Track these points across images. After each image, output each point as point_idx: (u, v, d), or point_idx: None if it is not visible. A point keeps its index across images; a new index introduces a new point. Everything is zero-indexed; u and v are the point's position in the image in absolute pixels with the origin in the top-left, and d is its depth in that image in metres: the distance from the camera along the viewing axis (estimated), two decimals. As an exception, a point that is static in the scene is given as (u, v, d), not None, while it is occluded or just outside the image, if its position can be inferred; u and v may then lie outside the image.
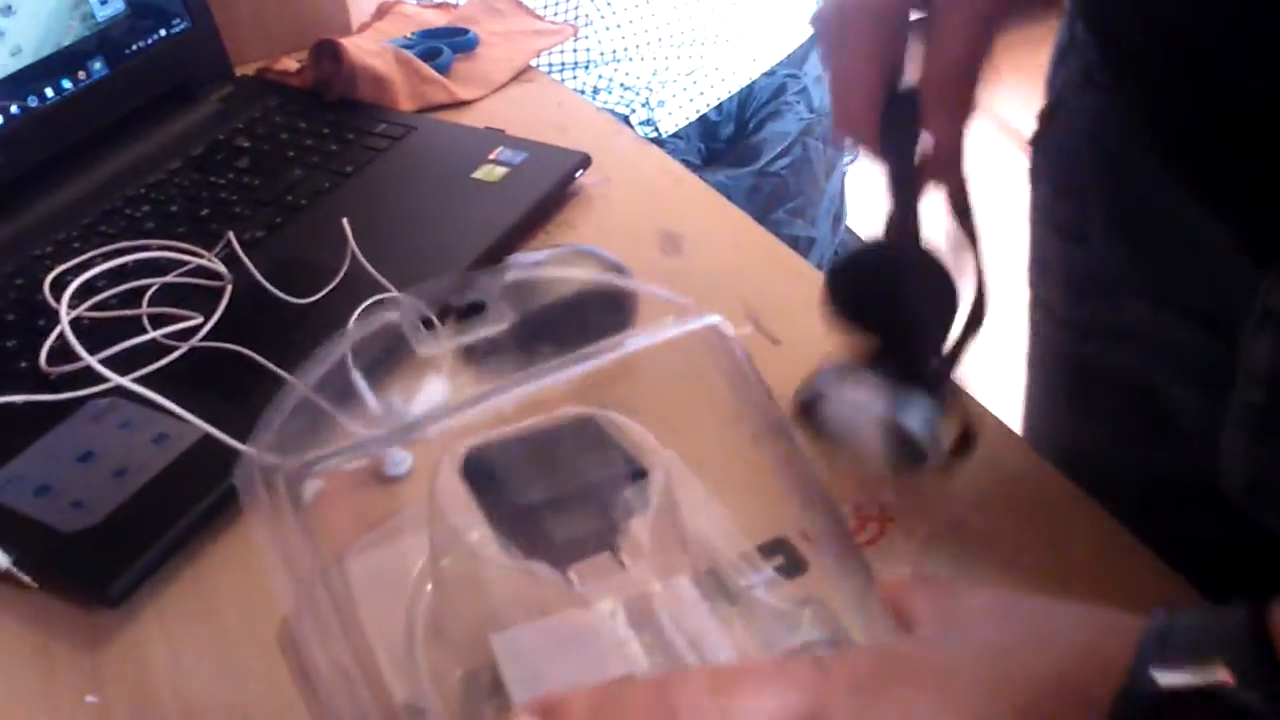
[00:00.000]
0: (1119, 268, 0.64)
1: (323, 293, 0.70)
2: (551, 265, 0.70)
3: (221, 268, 0.72)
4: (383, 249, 0.72)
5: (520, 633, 0.47)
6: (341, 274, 0.71)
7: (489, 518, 0.46)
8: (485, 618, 0.47)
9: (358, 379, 0.63)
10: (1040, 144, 0.71)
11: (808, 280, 0.79)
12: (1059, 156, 0.69)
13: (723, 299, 0.63)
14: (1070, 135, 0.67)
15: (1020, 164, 0.74)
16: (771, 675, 0.38)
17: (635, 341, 0.51)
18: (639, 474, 0.50)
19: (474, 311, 0.56)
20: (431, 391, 0.64)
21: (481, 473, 0.48)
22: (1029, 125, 0.73)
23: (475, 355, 0.64)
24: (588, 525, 0.49)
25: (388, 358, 0.66)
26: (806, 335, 0.71)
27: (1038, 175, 0.72)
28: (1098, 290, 0.67)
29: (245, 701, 0.50)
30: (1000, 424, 0.64)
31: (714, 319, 0.56)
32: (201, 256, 0.73)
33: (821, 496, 0.49)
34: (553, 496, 0.47)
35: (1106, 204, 0.64)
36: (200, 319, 0.68)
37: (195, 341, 0.66)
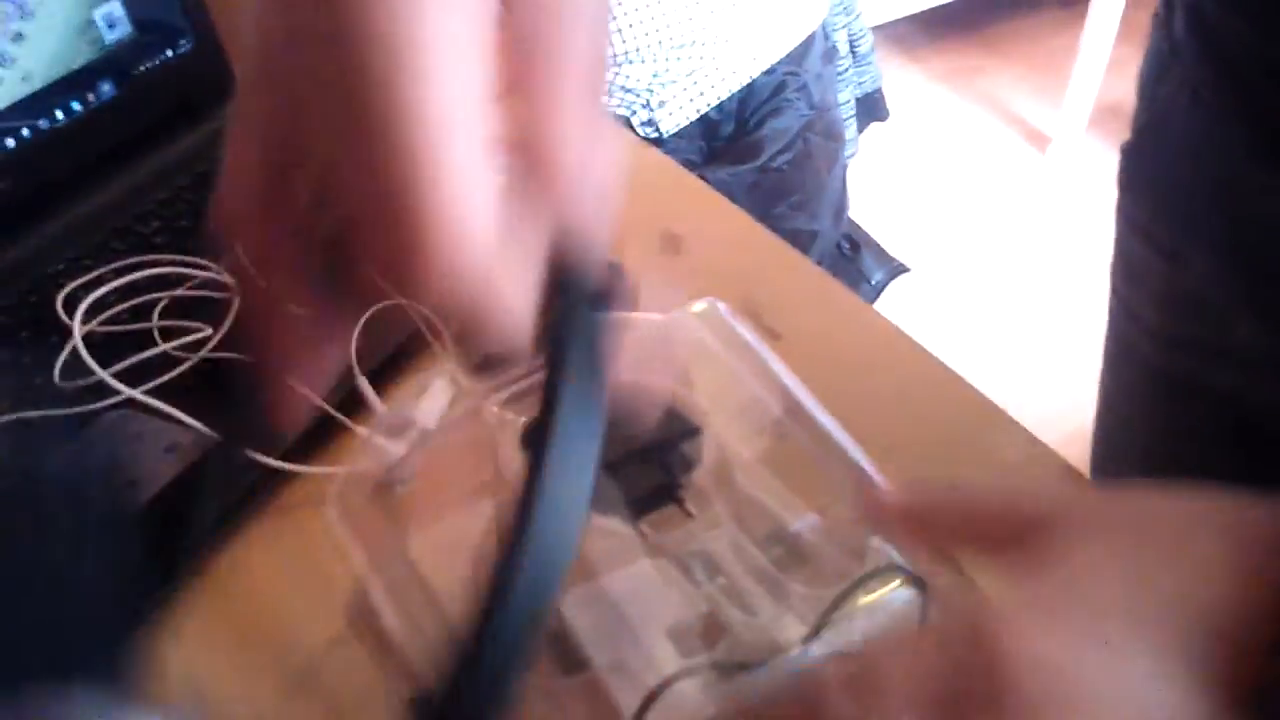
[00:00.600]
0: (1225, 289, 0.63)
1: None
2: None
3: (229, 279, 0.73)
4: (387, 257, 0.73)
5: (584, 589, 0.49)
6: (346, 283, 0.72)
7: None
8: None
9: (364, 384, 0.65)
10: (1135, 156, 0.69)
11: (808, 276, 0.80)
12: (1158, 173, 0.67)
13: (723, 296, 0.64)
14: (1172, 153, 0.66)
15: (1034, 162, 0.74)
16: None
17: (642, 320, 0.52)
18: (692, 431, 0.52)
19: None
20: (437, 394, 0.65)
21: (540, 441, 0.50)
22: (1042, 118, 0.73)
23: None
24: (650, 481, 0.51)
25: (390, 363, 0.68)
26: (807, 329, 0.72)
27: (1132, 186, 0.70)
28: (1200, 309, 0.65)
29: (260, 709, 0.51)
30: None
31: (709, 300, 0.58)
32: (209, 269, 0.74)
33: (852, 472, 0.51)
34: (611, 458, 0.48)
35: (1212, 226, 0.62)
36: (209, 331, 0.69)
37: (205, 353, 0.68)
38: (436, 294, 0.25)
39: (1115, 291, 0.73)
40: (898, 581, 0.49)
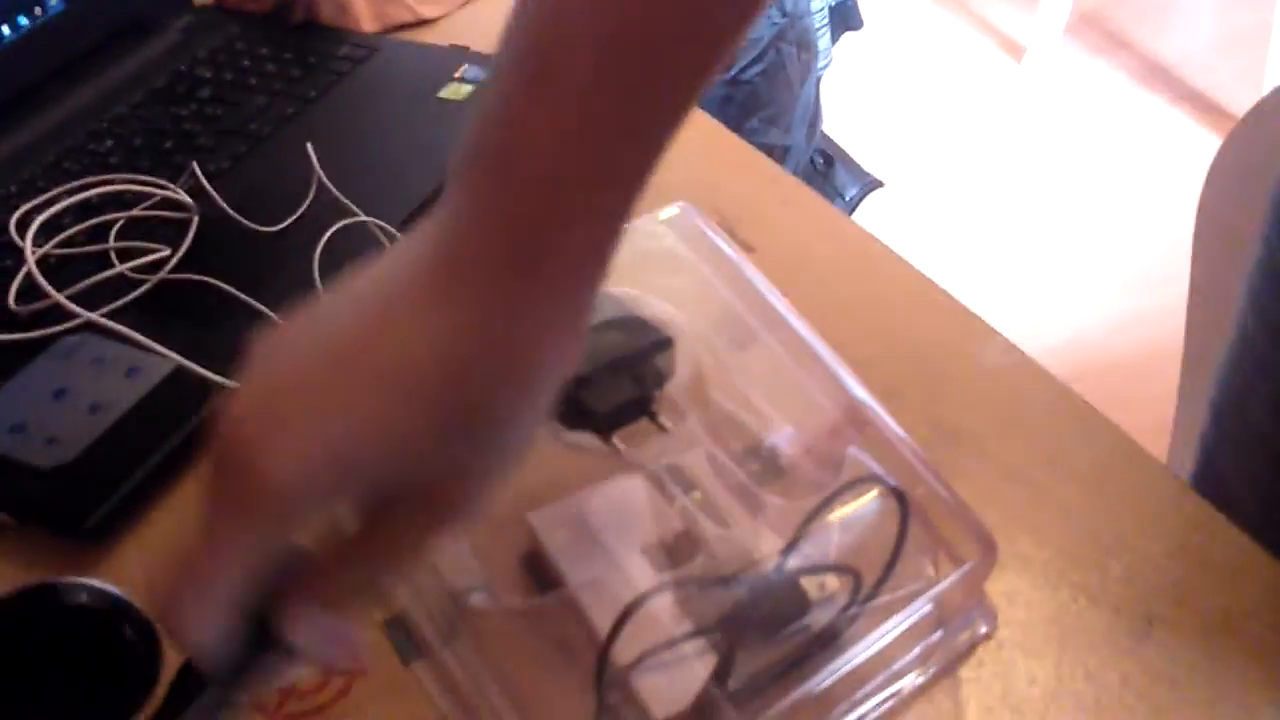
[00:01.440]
0: None
1: (290, 220, 0.69)
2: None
3: (187, 199, 0.71)
4: (349, 173, 0.71)
5: (558, 508, 0.49)
6: (308, 201, 0.70)
7: None
8: (532, 493, 0.49)
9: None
10: None
11: (782, 186, 0.78)
12: None
13: (696, 205, 0.62)
14: None
15: (1010, 72, 0.72)
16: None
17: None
18: (665, 343, 0.51)
19: None
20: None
21: None
22: (1018, 27, 0.71)
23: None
24: (623, 394, 0.50)
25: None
26: (782, 241, 0.70)
27: None
28: None
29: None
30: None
31: (681, 205, 0.57)
32: (166, 189, 0.72)
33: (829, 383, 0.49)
34: (584, 372, 0.47)
35: None
36: (168, 251, 0.67)
37: (164, 274, 0.66)
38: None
39: (1253, 302, 0.66)
40: (875, 492, 0.48)
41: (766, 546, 0.47)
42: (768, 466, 0.52)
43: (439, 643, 0.45)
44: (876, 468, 0.49)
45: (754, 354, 0.55)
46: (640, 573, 0.47)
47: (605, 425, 0.50)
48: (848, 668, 0.45)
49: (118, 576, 0.53)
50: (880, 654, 0.46)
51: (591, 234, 0.34)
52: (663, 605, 0.45)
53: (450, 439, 0.33)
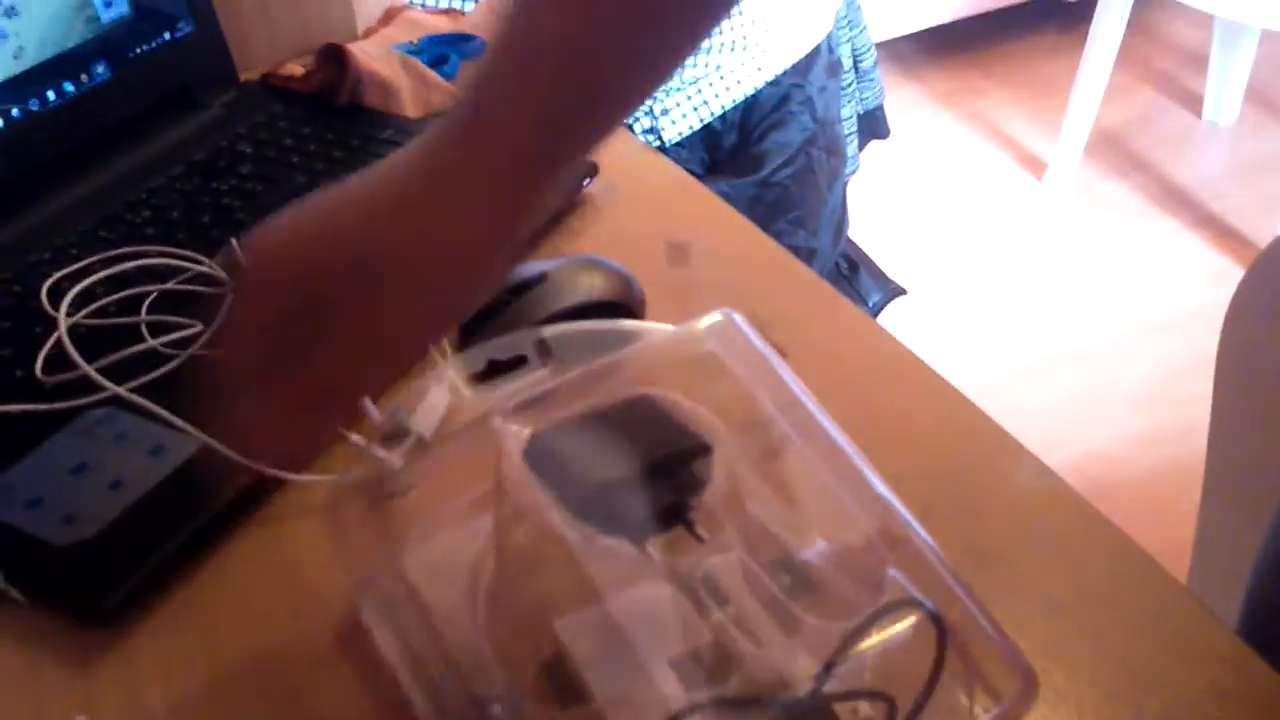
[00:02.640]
0: None
1: (324, 302, 0.68)
2: (560, 275, 0.69)
3: (221, 274, 0.71)
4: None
5: (586, 616, 0.47)
6: (343, 283, 0.69)
7: (559, 500, 0.46)
8: (559, 598, 0.48)
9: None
10: None
11: (814, 290, 0.78)
12: None
13: (730, 308, 0.62)
14: None
15: (1030, 188, 0.73)
16: None
17: (653, 331, 0.50)
18: (703, 449, 0.50)
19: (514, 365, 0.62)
20: (434, 402, 0.63)
21: (546, 456, 0.48)
22: (1039, 144, 0.72)
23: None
24: (659, 501, 0.49)
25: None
26: (815, 345, 0.70)
27: None
28: None
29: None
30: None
31: (724, 312, 0.56)
32: (202, 264, 0.72)
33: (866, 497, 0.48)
34: (619, 475, 0.46)
35: None
36: (200, 327, 0.66)
37: (194, 350, 0.65)
38: None
39: None
40: (914, 617, 0.47)
41: (801, 667, 0.46)
42: (799, 580, 0.50)
43: None
44: (915, 590, 0.48)
45: (789, 463, 0.54)
46: (670, 689, 0.45)
47: (639, 532, 0.49)
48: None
49: (130, 662, 0.52)
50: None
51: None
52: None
53: (361, 275, 0.44)
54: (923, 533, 0.50)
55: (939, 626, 0.46)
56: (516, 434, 0.50)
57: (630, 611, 0.48)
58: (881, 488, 0.51)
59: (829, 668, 0.45)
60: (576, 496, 0.47)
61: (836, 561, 0.51)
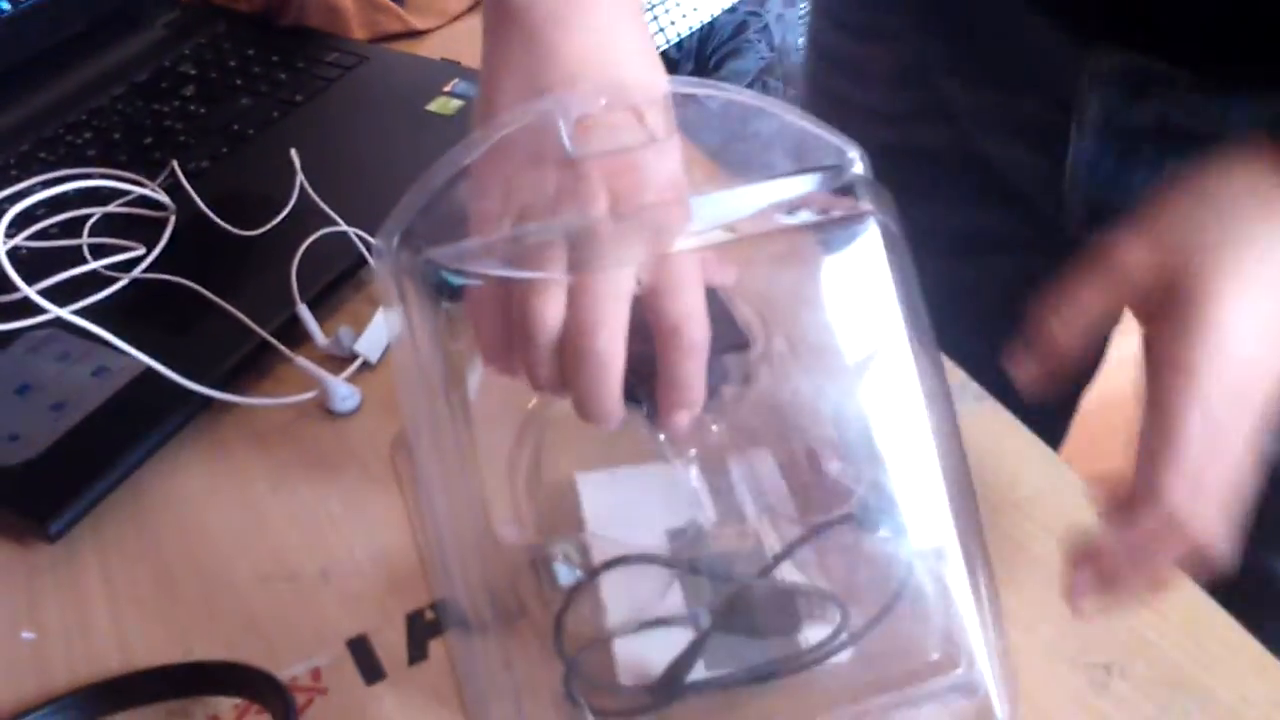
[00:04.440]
0: (934, 57, 0.68)
1: (269, 225, 0.68)
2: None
3: (165, 198, 0.70)
4: (332, 181, 0.71)
5: (601, 475, 0.49)
6: (289, 206, 0.69)
7: None
8: (579, 460, 0.50)
9: (304, 312, 0.63)
10: None
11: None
12: None
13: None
14: None
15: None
16: None
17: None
18: (742, 345, 0.50)
19: None
20: (379, 325, 0.63)
21: None
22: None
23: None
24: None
25: (332, 290, 0.66)
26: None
27: None
28: (915, 80, 0.70)
29: (184, 636, 0.50)
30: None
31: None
32: (144, 186, 0.71)
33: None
34: (653, 352, 0.46)
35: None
36: (142, 250, 0.66)
37: (137, 273, 0.65)
38: None
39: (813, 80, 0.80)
40: (884, 532, 0.48)
41: (766, 556, 0.47)
42: (808, 487, 0.51)
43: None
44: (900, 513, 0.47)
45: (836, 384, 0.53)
46: (655, 546, 0.46)
47: (654, 410, 0.49)
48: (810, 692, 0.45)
49: (75, 580, 0.52)
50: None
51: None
52: (661, 582, 0.44)
53: None
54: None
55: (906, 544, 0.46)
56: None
57: (635, 479, 0.49)
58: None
59: (787, 553, 0.46)
60: None
61: (842, 475, 0.52)
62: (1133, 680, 0.48)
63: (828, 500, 0.49)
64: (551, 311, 0.40)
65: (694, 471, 0.49)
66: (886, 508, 0.47)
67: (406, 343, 0.41)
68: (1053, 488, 0.56)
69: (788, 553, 0.47)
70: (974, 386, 0.61)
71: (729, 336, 0.51)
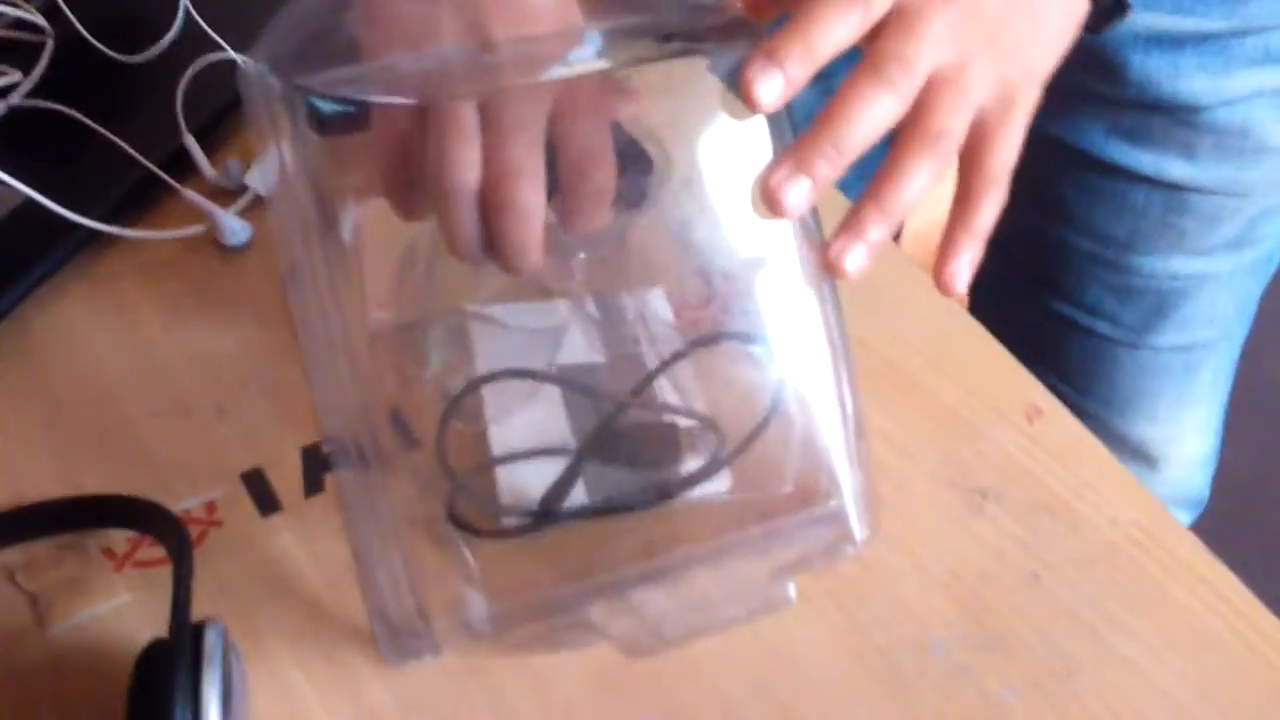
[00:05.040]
0: None
1: (153, 50, 0.65)
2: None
3: (42, 21, 0.67)
4: (219, 4, 0.68)
5: (490, 309, 0.48)
6: (174, 31, 0.66)
7: None
8: (466, 294, 0.48)
9: (191, 143, 0.61)
10: None
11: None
12: None
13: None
14: None
15: None
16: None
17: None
18: (644, 168, 0.48)
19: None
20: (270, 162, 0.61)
21: None
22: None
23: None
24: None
25: (219, 120, 0.64)
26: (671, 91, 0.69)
27: None
28: None
29: (75, 472, 0.50)
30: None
31: None
32: (19, 7, 0.67)
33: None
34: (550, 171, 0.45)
35: None
36: (19, 76, 0.63)
37: (15, 100, 0.62)
38: None
39: None
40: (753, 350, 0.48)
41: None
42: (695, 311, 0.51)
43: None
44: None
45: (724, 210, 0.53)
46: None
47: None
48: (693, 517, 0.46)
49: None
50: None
51: None
52: (545, 409, 0.45)
53: None
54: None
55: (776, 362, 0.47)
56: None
57: (528, 314, 0.49)
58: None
59: (654, 375, 0.47)
60: None
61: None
62: (1007, 504, 0.51)
63: (713, 324, 0.50)
64: (470, 159, 0.39)
65: (587, 305, 0.49)
66: (760, 328, 0.47)
67: (278, 176, 0.39)
68: (937, 321, 0.58)
69: (664, 367, 0.47)
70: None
71: (629, 153, 0.50)
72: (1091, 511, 0.50)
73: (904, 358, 0.56)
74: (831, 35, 0.39)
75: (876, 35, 0.41)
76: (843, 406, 0.44)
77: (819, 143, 0.40)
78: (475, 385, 0.46)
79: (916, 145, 0.41)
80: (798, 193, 0.39)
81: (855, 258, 0.41)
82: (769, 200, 0.40)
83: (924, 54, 0.40)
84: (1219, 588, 0.48)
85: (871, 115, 0.40)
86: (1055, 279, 0.76)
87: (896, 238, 0.62)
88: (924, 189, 0.41)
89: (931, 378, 0.55)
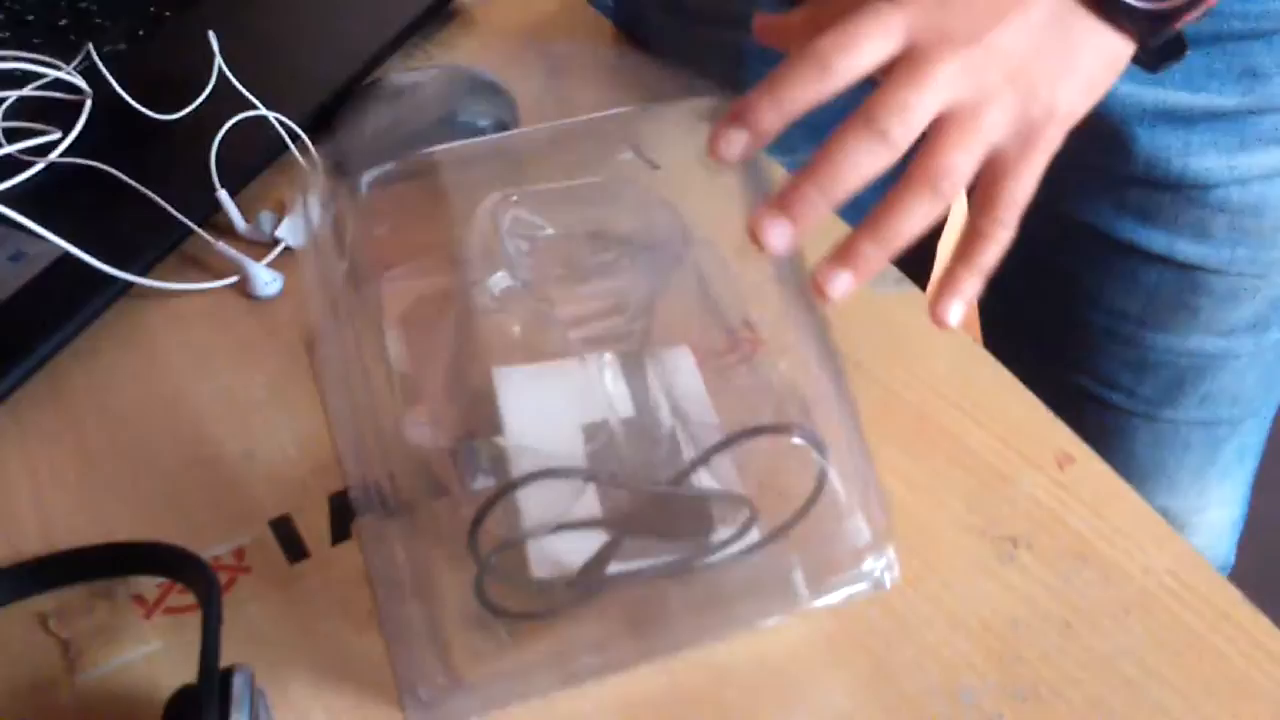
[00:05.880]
0: None
1: (188, 109, 0.67)
2: (429, 86, 0.68)
3: (81, 81, 0.68)
4: (251, 63, 0.69)
5: (519, 372, 0.49)
6: (208, 89, 0.68)
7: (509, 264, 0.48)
8: (490, 354, 0.50)
9: (224, 196, 0.62)
10: None
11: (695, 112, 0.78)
12: None
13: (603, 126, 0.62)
14: None
15: None
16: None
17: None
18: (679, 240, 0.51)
19: None
20: (301, 211, 0.62)
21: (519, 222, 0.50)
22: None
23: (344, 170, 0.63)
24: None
25: (253, 176, 0.65)
26: (686, 160, 0.70)
27: None
28: None
29: (107, 519, 0.50)
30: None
31: None
32: (59, 69, 0.69)
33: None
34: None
35: None
36: (59, 134, 0.64)
37: (54, 157, 0.63)
38: None
39: None
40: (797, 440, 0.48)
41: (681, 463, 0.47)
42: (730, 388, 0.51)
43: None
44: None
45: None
46: (573, 449, 0.47)
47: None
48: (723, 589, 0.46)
49: (-6, 464, 0.52)
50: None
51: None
52: (576, 487, 0.45)
53: None
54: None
55: (820, 451, 0.47)
56: (494, 198, 0.50)
57: (552, 375, 0.50)
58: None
59: (699, 462, 0.47)
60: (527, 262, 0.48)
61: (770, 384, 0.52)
62: (1039, 551, 0.50)
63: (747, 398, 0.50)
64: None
65: (611, 368, 0.49)
66: (800, 415, 0.47)
67: (309, 237, 0.40)
68: (966, 368, 0.58)
69: (702, 460, 0.46)
70: (893, 271, 0.62)
71: (666, 228, 0.51)
72: (1124, 559, 0.50)
73: (933, 405, 0.56)
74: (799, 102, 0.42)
75: (886, 72, 0.41)
76: (855, 457, 0.44)
77: (804, 188, 0.41)
78: (508, 489, 0.45)
79: (916, 183, 0.41)
80: (780, 234, 0.40)
81: (841, 283, 0.41)
82: (753, 238, 0.41)
83: (926, 100, 0.41)
84: (1256, 636, 0.47)
85: (860, 165, 0.41)
86: (1069, 351, 0.74)
87: (924, 284, 0.62)
88: (919, 225, 0.41)
89: (961, 425, 0.55)
